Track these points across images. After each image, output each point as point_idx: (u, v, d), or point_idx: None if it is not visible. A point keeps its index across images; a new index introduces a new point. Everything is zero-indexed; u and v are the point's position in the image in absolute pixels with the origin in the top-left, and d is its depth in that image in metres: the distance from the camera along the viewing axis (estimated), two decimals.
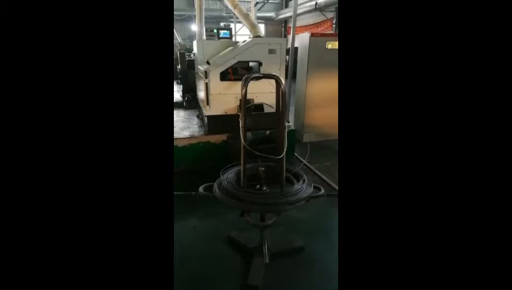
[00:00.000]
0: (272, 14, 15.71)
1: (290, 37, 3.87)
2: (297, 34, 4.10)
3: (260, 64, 3.40)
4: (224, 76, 3.32)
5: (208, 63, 3.30)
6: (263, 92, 3.43)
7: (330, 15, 12.62)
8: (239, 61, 3.31)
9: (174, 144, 3.32)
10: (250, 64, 3.50)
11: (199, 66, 3.80)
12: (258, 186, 1.89)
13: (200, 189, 1.93)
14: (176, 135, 3.44)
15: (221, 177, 1.89)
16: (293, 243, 2.23)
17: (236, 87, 3.41)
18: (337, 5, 11.18)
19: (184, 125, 3.86)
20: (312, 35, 4.10)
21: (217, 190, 1.81)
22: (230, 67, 3.29)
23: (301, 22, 13.82)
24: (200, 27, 5.10)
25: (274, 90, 1.76)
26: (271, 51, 3.37)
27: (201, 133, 3.59)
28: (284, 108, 1.74)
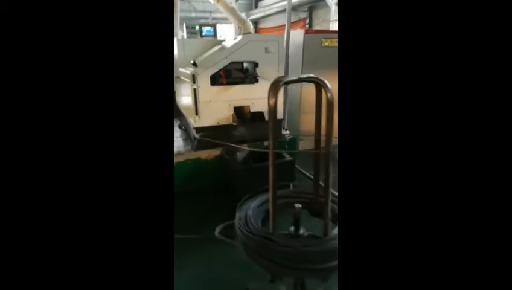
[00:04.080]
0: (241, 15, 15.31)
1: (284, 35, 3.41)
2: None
3: (256, 65, 2.92)
4: (215, 80, 2.79)
5: (194, 64, 2.75)
6: (260, 98, 2.96)
7: (303, 15, 12.46)
8: (232, 62, 2.80)
9: None
10: (245, 65, 3.01)
11: (180, 69, 3.22)
12: (293, 228, 1.40)
13: None
14: None
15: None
16: None
17: (229, 92, 2.89)
18: (309, 5, 11.03)
19: None
20: (306, 32, 3.71)
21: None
22: (222, 69, 2.77)
23: (273, 22, 13.52)
24: (175, 25, 4.50)
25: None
26: (268, 50, 2.90)
27: (188, 148, 3.03)
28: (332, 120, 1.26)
